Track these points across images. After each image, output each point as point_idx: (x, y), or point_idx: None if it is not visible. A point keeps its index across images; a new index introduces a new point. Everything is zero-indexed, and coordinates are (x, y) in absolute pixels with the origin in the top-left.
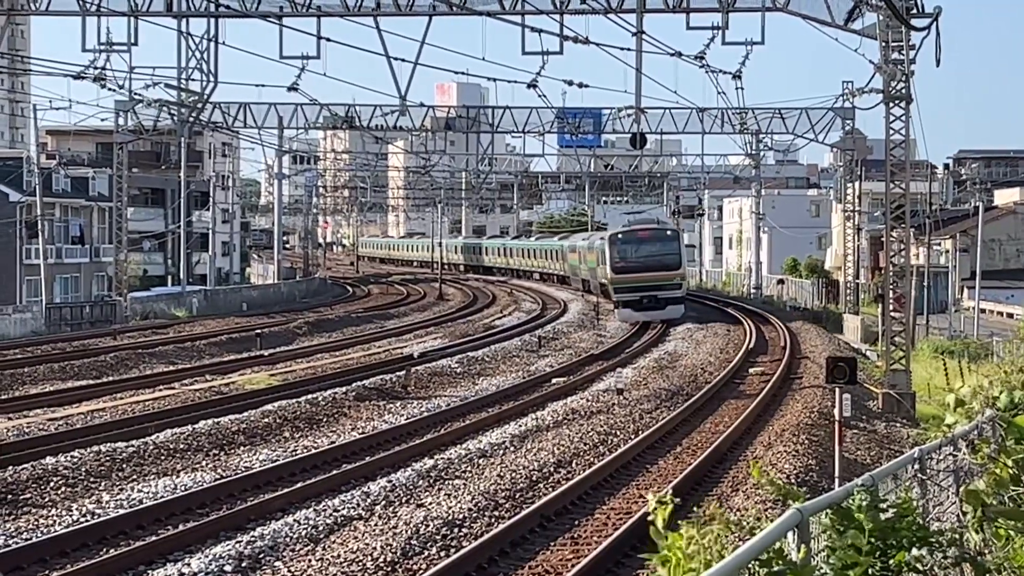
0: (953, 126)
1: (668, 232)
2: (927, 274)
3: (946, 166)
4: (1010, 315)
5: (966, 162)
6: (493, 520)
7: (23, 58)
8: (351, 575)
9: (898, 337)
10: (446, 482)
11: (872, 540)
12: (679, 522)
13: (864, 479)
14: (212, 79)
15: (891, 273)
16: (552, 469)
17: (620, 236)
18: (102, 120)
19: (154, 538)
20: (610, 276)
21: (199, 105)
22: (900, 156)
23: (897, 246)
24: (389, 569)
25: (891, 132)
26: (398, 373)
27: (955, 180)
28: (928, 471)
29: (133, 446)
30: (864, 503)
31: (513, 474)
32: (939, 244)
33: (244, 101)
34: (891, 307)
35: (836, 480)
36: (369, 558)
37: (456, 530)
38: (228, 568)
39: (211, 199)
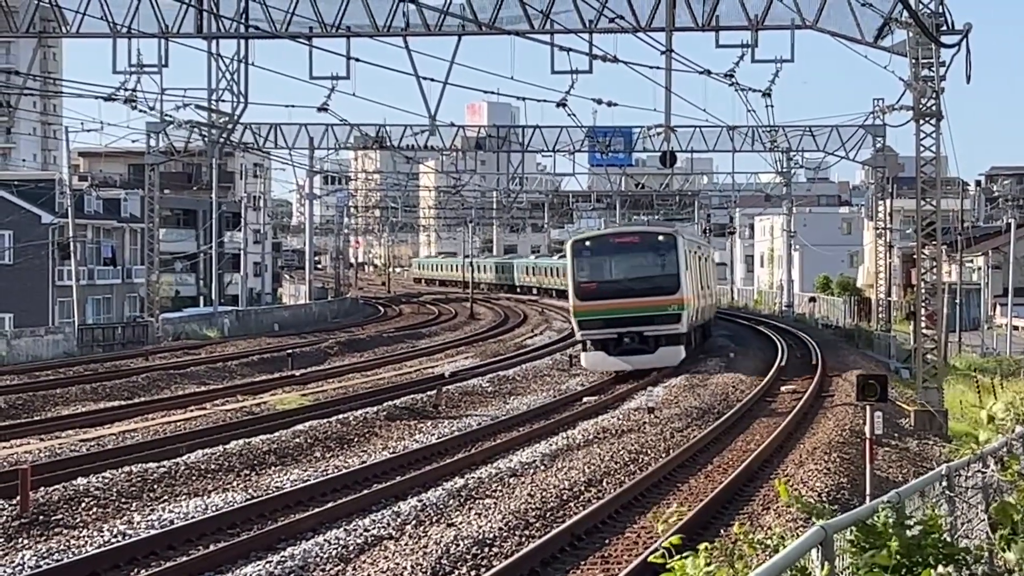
0: (984, 143)
1: (660, 239)
2: (959, 291)
3: (978, 183)
4: None
5: (998, 179)
6: (523, 539)
7: (55, 80)
8: None
9: (930, 355)
10: (476, 501)
11: (898, 557)
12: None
13: (890, 496)
14: (242, 100)
15: (923, 290)
16: (583, 488)
17: (588, 245)
18: (133, 141)
19: (185, 559)
20: (573, 304)
21: (230, 126)
22: (931, 173)
23: (929, 263)
24: None
25: (922, 149)
26: (429, 392)
27: (987, 197)
28: (956, 488)
29: (164, 466)
30: (890, 520)
31: (544, 493)
32: (971, 261)
33: (275, 122)
34: (923, 324)
35: (867, 498)
36: None
37: (486, 549)
38: None
39: (243, 220)
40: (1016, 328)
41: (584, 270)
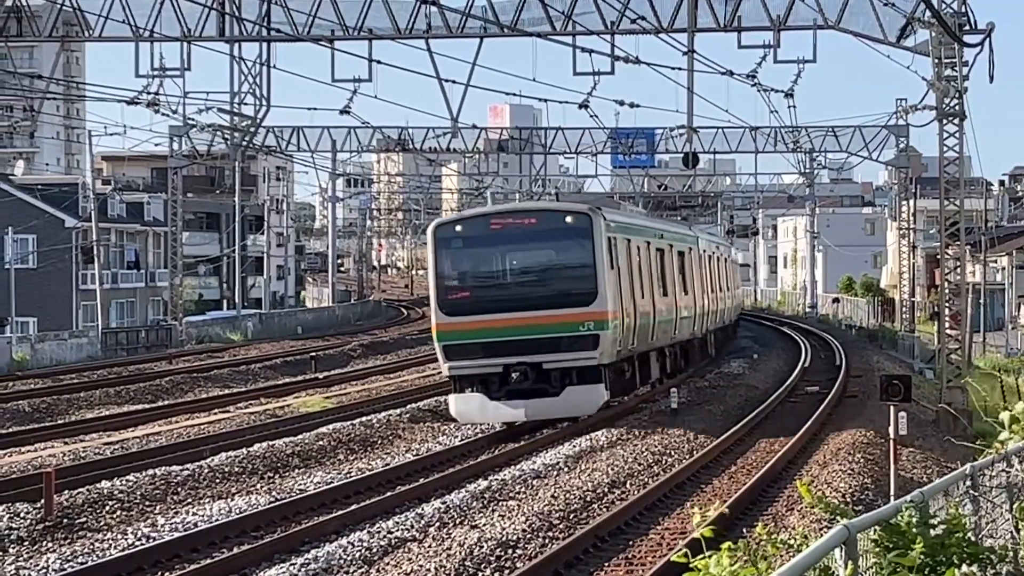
0: (1008, 142)
1: (568, 221)
2: (983, 291)
3: (1001, 182)
4: None
5: (1022, 178)
6: (547, 541)
7: (78, 84)
8: None
9: (954, 355)
10: (500, 503)
11: (922, 557)
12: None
13: (914, 495)
14: (265, 103)
15: (947, 291)
16: (606, 489)
17: (458, 232)
18: (156, 145)
19: (208, 561)
20: (436, 320)
21: (252, 129)
22: (955, 173)
23: (952, 263)
24: None
25: (945, 149)
26: None
27: (1011, 197)
28: (980, 487)
29: (188, 469)
30: (914, 519)
31: (567, 495)
32: (995, 261)
33: (297, 125)
34: (947, 325)
35: (891, 498)
36: None
37: (510, 551)
38: None
39: (266, 223)
40: None
41: (452, 269)
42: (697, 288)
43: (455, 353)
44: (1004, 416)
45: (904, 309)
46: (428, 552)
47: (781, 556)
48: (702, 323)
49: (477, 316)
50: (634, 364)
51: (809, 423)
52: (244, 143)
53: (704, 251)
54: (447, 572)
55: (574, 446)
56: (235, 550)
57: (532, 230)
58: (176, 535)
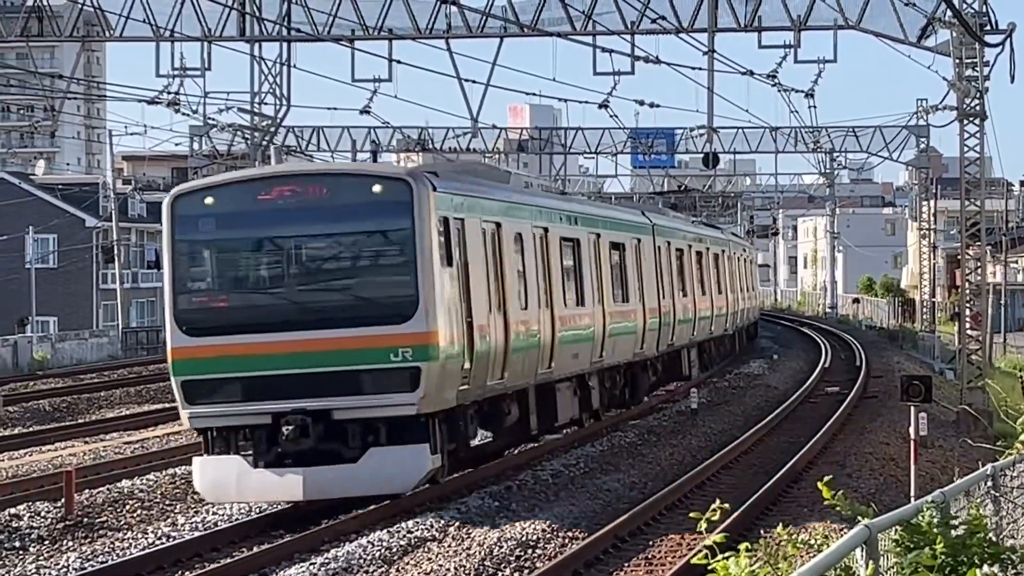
0: None
1: (375, 191)
2: (1004, 292)
3: (1022, 183)
4: None
5: None
6: (567, 541)
7: (99, 84)
8: None
9: (975, 355)
10: (521, 503)
11: (942, 557)
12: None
13: (935, 495)
14: (285, 103)
15: (967, 291)
16: (627, 489)
17: (208, 206)
18: (176, 145)
19: (229, 560)
20: (171, 343)
21: (272, 129)
22: (975, 173)
23: (973, 264)
24: None
25: (966, 149)
26: None
27: None
28: (1001, 488)
29: None
30: (934, 519)
31: (588, 495)
32: (1016, 262)
33: (317, 125)
34: (968, 325)
35: (912, 499)
36: None
37: (530, 551)
38: None
39: None
40: None
41: (195, 265)
42: (658, 291)
43: (200, 394)
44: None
45: (924, 309)
46: (448, 552)
47: (802, 556)
48: (668, 335)
49: (233, 338)
50: (526, 402)
51: (829, 423)
52: (264, 143)
53: (669, 243)
54: (467, 571)
55: (594, 446)
56: (255, 549)
57: (320, 205)
58: (196, 534)
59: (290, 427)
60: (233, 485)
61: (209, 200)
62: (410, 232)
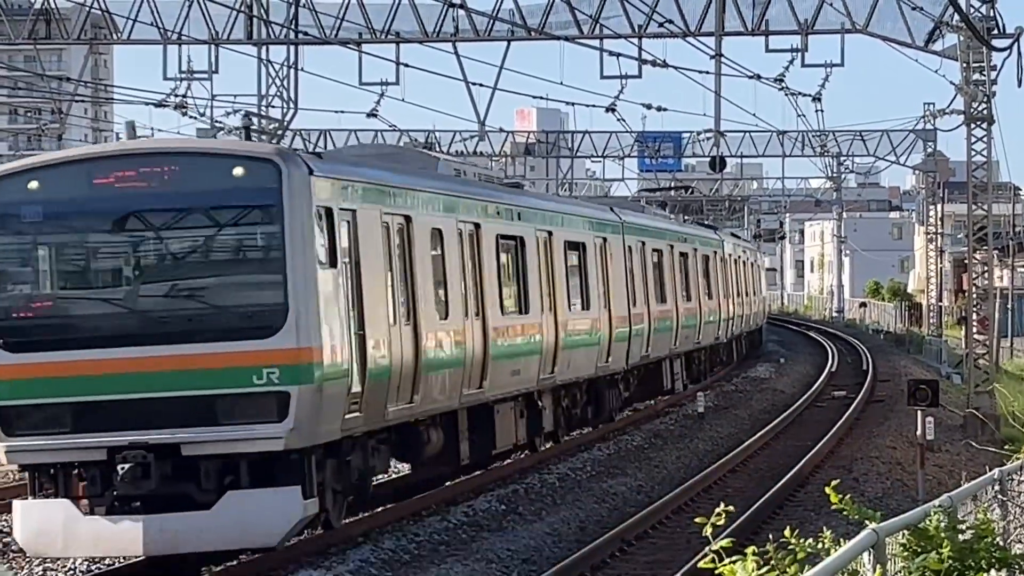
0: None
1: (236, 172)
2: (1011, 296)
3: None
4: None
5: None
6: (573, 544)
7: (106, 87)
8: None
9: (982, 360)
10: (527, 506)
11: (950, 561)
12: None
13: (942, 500)
14: (293, 106)
15: (974, 295)
16: (633, 493)
17: (30, 191)
18: None
19: (235, 563)
20: None
21: (280, 132)
22: (982, 177)
23: (980, 268)
24: None
25: (973, 153)
26: None
27: None
28: (1009, 492)
29: None
30: (942, 524)
31: (594, 498)
32: (1023, 266)
33: (324, 128)
34: (975, 330)
35: (919, 503)
36: None
37: (536, 555)
38: None
39: None
40: None
41: (16, 264)
42: (629, 297)
43: (20, 423)
44: None
45: (931, 314)
46: (455, 555)
47: (809, 560)
48: (642, 346)
49: (60, 354)
50: (454, 427)
51: (836, 428)
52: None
53: (644, 243)
54: (474, 574)
55: (601, 450)
56: (256, 554)
57: (169, 191)
58: None
59: (128, 465)
60: (59, 536)
61: (33, 184)
62: (279, 224)
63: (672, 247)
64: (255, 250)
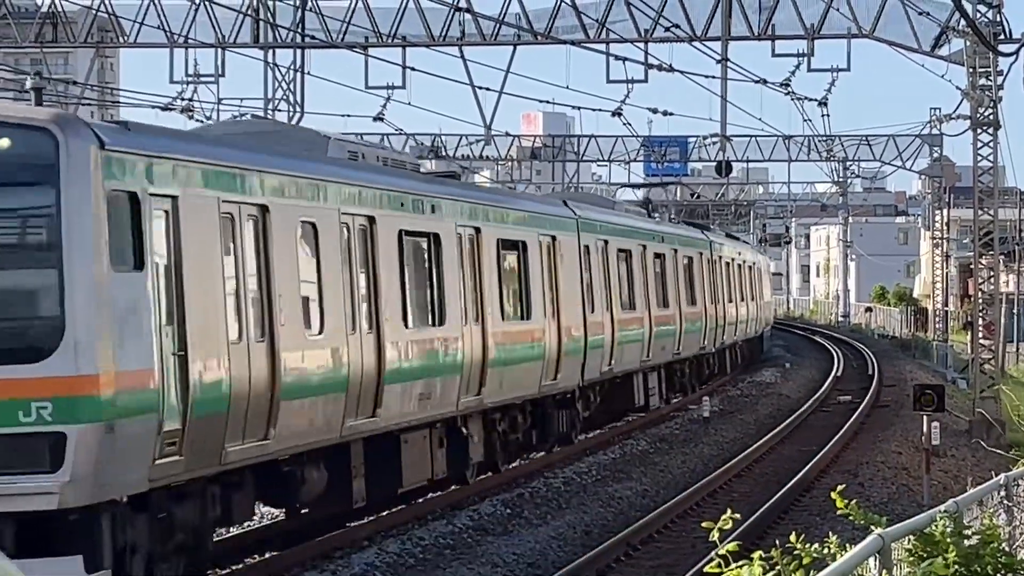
0: None
1: (4, 142)
2: (1017, 301)
3: None
4: None
5: None
6: (579, 549)
7: (112, 90)
8: None
9: (987, 365)
10: (532, 510)
11: (956, 566)
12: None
13: (948, 505)
14: (299, 109)
15: (980, 300)
16: (639, 497)
17: None
18: None
19: (239, 566)
20: None
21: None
22: (988, 183)
23: (986, 273)
24: None
25: (979, 159)
26: None
27: None
28: (1015, 498)
29: None
30: (948, 529)
31: (599, 503)
32: None
33: (331, 132)
34: (980, 335)
35: (925, 508)
36: None
37: (542, 559)
38: None
39: None
40: None
41: None
42: (585, 303)
43: None
44: None
45: (937, 319)
46: (460, 559)
47: (815, 565)
48: (604, 359)
49: None
50: (346, 462)
51: (841, 432)
52: None
53: (607, 243)
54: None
55: (606, 455)
56: (267, 555)
57: None
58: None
59: None
60: None
61: None
62: (54, 212)
63: (644, 247)
64: (24, 248)
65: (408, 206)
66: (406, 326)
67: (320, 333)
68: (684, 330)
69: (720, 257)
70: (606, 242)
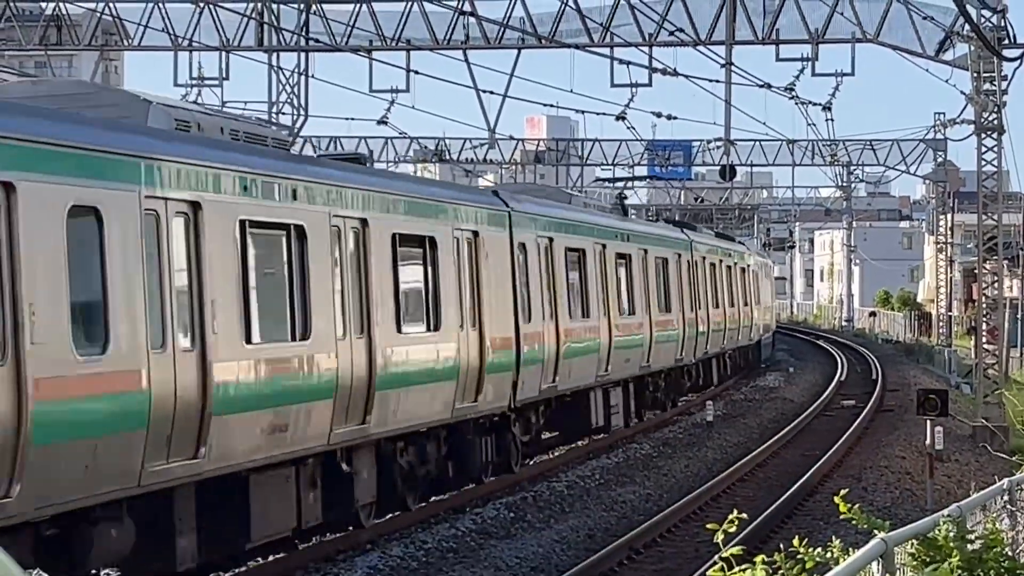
0: None
1: None
2: (1020, 306)
3: None
4: None
5: None
6: (582, 552)
7: None
8: None
9: (991, 370)
10: (535, 514)
11: (959, 570)
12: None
13: (951, 510)
14: (303, 113)
15: (984, 305)
16: (642, 501)
17: None
18: None
19: (242, 569)
20: None
21: (290, 139)
22: (993, 187)
23: (990, 278)
24: None
25: (983, 163)
26: None
27: None
28: (1018, 502)
29: None
30: (951, 533)
31: (602, 507)
32: None
33: (335, 135)
34: (984, 339)
35: (928, 513)
36: None
37: (545, 562)
38: None
39: None
40: None
41: None
42: (520, 310)
43: None
44: None
45: (941, 323)
46: (464, 563)
47: (818, 569)
48: (544, 375)
49: None
50: (169, 517)
51: (845, 437)
52: None
53: (552, 241)
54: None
55: (609, 459)
56: (270, 558)
57: None
58: None
59: None
60: None
61: None
62: None
63: (604, 247)
64: None
65: (255, 191)
66: (248, 342)
67: (104, 352)
68: (654, 339)
69: (704, 258)
70: (551, 240)
